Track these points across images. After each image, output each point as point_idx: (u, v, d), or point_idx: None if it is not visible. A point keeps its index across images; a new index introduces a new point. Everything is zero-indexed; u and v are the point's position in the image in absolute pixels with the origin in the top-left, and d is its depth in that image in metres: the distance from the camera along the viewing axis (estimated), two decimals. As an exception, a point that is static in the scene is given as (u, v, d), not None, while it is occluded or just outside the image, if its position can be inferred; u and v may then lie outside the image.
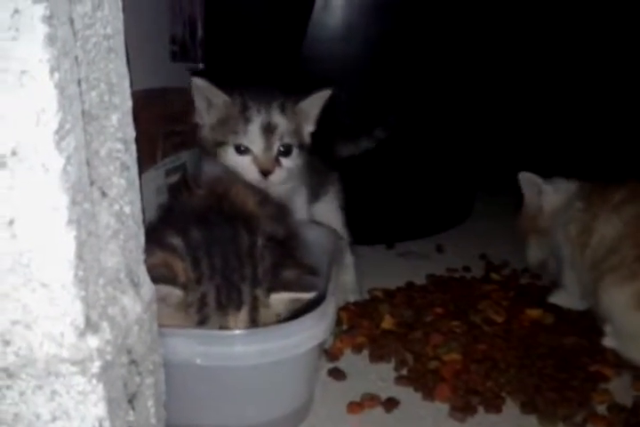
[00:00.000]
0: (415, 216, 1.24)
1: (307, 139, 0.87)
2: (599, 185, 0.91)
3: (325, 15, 1.02)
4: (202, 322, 0.61)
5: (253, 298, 0.62)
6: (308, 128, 0.88)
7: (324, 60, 1.02)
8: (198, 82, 0.82)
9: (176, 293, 0.59)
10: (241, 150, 0.82)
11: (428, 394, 0.73)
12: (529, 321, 0.88)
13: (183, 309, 0.60)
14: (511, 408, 0.71)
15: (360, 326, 0.87)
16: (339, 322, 0.87)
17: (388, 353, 0.81)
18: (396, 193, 1.19)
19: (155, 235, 0.62)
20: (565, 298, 0.93)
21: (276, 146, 0.82)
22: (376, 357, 0.80)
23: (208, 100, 0.83)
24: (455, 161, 1.26)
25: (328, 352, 0.81)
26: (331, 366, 0.79)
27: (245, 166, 0.82)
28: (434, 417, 0.70)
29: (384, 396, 0.72)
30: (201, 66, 1.01)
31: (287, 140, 0.83)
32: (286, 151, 0.83)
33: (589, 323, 0.86)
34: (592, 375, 0.76)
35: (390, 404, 0.71)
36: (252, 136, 0.81)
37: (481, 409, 0.70)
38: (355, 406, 0.70)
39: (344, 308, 0.92)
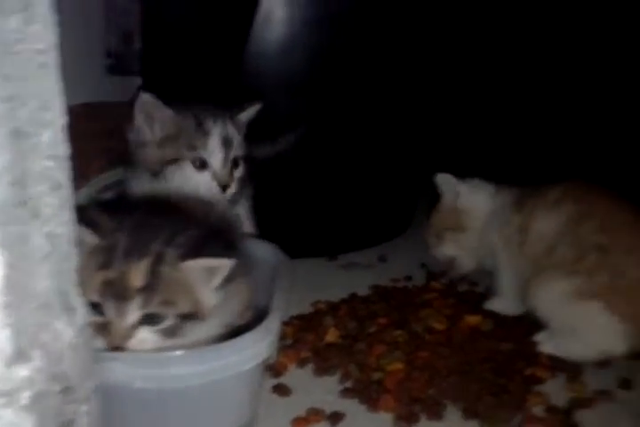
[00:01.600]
0: (357, 227, 1.26)
1: (245, 148, 0.88)
2: (528, 187, 0.96)
3: (266, 29, 1.03)
4: (104, 266, 0.58)
5: (160, 253, 0.59)
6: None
7: (265, 75, 1.03)
8: (146, 97, 0.80)
9: (92, 237, 0.59)
10: (199, 165, 0.81)
11: (373, 405, 0.73)
12: (468, 328, 0.90)
13: (94, 256, 0.59)
14: (453, 414, 0.73)
15: (304, 339, 0.87)
16: (283, 336, 0.87)
17: (332, 366, 0.81)
18: (338, 205, 1.20)
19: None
20: (501, 304, 0.96)
21: (231, 159, 0.83)
22: (320, 370, 0.81)
23: (152, 117, 0.82)
24: (396, 172, 1.29)
25: (272, 368, 0.80)
26: (275, 381, 0.78)
27: (204, 182, 0.81)
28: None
29: (329, 410, 0.72)
30: (139, 79, 1.00)
31: (238, 151, 0.84)
32: (236, 163, 0.84)
33: (524, 328, 0.90)
34: (528, 379, 0.79)
35: (335, 418, 0.71)
36: (213, 149, 0.81)
37: (424, 417, 0.72)
38: (300, 422, 0.70)
39: (288, 322, 0.91)
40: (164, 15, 1.02)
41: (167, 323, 0.60)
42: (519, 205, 0.92)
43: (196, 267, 0.60)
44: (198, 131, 0.80)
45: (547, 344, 0.85)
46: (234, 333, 0.65)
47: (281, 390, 0.76)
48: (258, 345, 0.63)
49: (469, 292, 1.07)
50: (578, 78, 1.10)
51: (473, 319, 0.91)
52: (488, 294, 1.02)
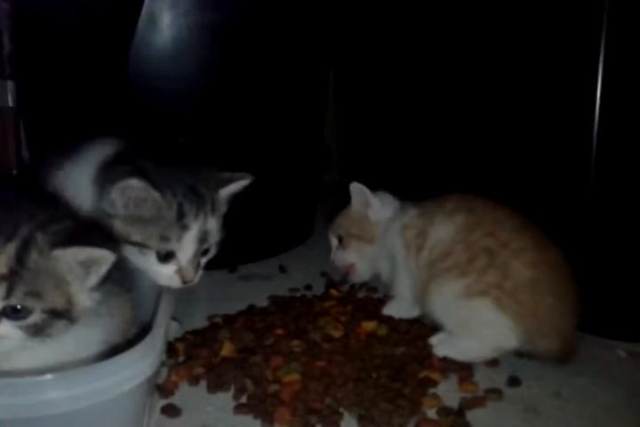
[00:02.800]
0: (256, 238, 1.23)
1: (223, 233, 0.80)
2: (429, 198, 0.99)
3: (151, 33, 0.99)
4: None
5: (28, 237, 0.53)
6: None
7: (150, 79, 0.98)
8: (135, 183, 0.68)
9: None
10: (164, 257, 0.72)
11: (268, 419, 0.71)
12: (365, 334, 0.90)
13: None
14: (349, 422, 0.72)
15: (198, 355, 0.83)
16: (174, 353, 0.83)
17: (226, 381, 0.78)
18: (236, 216, 1.18)
19: None
20: (398, 308, 0.97)
21: (202, 251, 0.76)
22: (214, 387, 0.77)
23: (132, 196, 0.70)
24: (293, 181, 1.28)
25: (161, 388, 0.76)
26: (164, 402, 0.74)
27: (167, 275, 0.73)
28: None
29: (222, 428, 0.69)
30: (10, 82, 0.92)
31: (213, 240, 0.76)
32: (206, 251, 0.77)
33: (418, 332, 0.91)
34: (422, 381, 0.80)
35: (228, 435, 0.68)
36: (186, 245, 0.72)
37: (320, 428, 0.70)
38: (190, 443, 0.66)
39: (181, 338, 0.87)
40: (39, 14, 0.96)
41: (33, 318, 0.54)
42: (420, 211, 0.95)
43: (69, 257, 0.54)
44: (177, 223, 0.71)
45: (442, 347, 0.87)
46: (114, 352, 0.61)
47: (170, 410, 0.72)
48: (139, 364, 0.59)
49: (367, 298, 1.08)
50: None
51: (369, 325, 0.91)
52: (386, 299, 1.03)
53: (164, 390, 0.76)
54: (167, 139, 0.94)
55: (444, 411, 0.75)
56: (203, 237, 0.74)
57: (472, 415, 0.75)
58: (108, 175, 0.72)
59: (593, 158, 0.92)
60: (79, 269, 0.56)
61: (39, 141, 1.07)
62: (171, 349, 0.83)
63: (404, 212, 0.99)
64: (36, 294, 0.53)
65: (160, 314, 0.67)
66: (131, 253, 0.72)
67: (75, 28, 0.95)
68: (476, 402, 0.77)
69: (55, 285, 0.55)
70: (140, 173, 0.69)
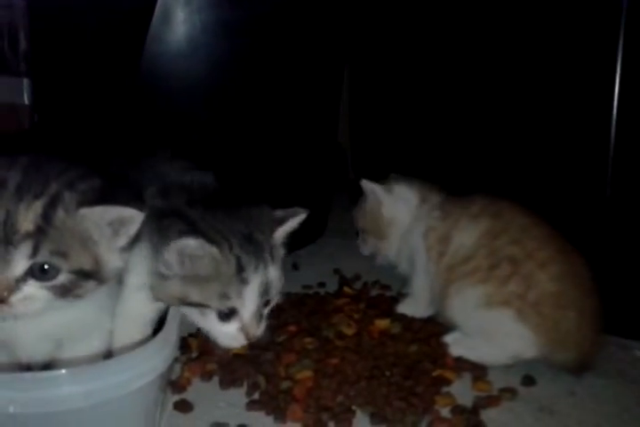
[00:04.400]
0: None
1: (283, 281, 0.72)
2: (452, 197, 0.97)
3: (165, 30, 0.99)
4: None
5: (56, 195, 0.53)
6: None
7: (163, 76, 0.99)
8: (192, 243, 0.62)
9: None
10: (225, 316, 0.66)
11: (280, 416, 0.71)
12: (378, 332, 0.90)
13: None
14: (361, 420, 0.72)
15: (210, 352, 0.83)
16: (187, 349, 0.83)
17: (239, 378, 0.78)
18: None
19: None
20: (412, 307, 0.96)
21: (264, 303, 0.69)
22: (227, 383, 0.77)
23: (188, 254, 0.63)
24: (305, 178, 1.28)
25: (174, 383, 0.76)
26: (177, 398, 0.74)
27: (230, 335, 0.67)
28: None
29: (234, 424, 0.69)
30: (25, 80, 0.93)
31: (276, 288, 0.70)
32: (268, 303, 0.71)
33: (431, 330, 0.90)
34: (435, 380, 0.79)
35: (240, 431, 0.68)
36: (247, 300, 0.66)
37: (332, 425, 0.70)
38: (203, 439, 0.66)
39: (194, 334, 0.87)
40: (54, 12, 0.96)
41: (60, 279, 0.53)
42: (444, 214, 0.93)
43: (96, 216, 0.54)
44: (237, 278, 0.65)
45: (457, 347, 0.86)
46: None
47: (183, 406, 0.72)
48: (153, 359, 0.59)
49: (381, 296, 1.07)
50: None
51: (382, 323, 0.91)
52: (399, 297, 1.02)
53: (176, 385, 0.76)
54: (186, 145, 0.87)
55: (457, 410, 0.74)
56: (264, 289, 0.67)
57: (486, 415, 0.74)
58: (159, 234, 0.65)
59: (611, 158, 0.91)
60: (107, 228, 0.55)
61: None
62: (184, 344, 0.83)
63: (424, 211, 0.97)
64: (63, 254, 0.52)
65: (173, 309, 0.67)
66: (190, 315, 0.67)
67: (89, 26, 0.95)
68: (490, 401, 0.77)
69: (82, 244, 0.54)
70: (195, 230, 0.63)
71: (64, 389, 0.53)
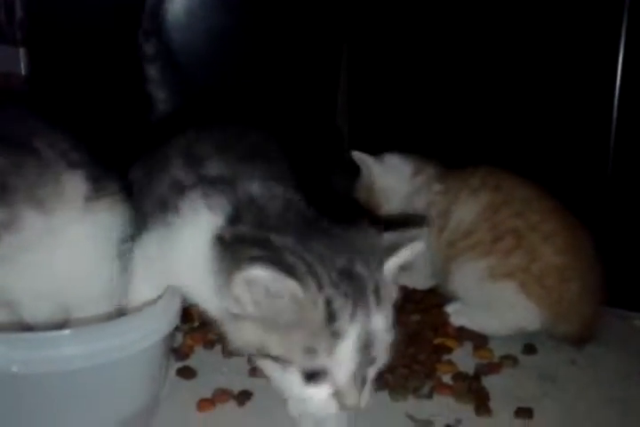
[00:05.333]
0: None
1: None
2: (450, 170, 0.96)
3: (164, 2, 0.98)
4: None
5: None
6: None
7: (162, 47, 0.97)
8: (260, 274, 0.48)
9: None
10: (312, 377, 0.50)
11: (282, 382, 0.71)
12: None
13: None
14: (364, 387, 0.72)
15: (212, 321, 0.83)
16: (189, 319, 0.83)
17: (241, 346, 0.78)
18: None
19: None
20: (413, 278, 0.96)
21: (368, 360, 0.52)
22: (229, 351, 0.77)
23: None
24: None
25: (177, 351, 0.76)
26: (180, 365, 0.74)
27: (318, 401, 0.52)
28: (285, 407, 0.68)
29: (237, 389, 0.69)
30: (21, 49, 0.91)
31: (384, 342, 0.53)
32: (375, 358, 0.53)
33: (433, 301, 0.91)
34: (437, 348, 0.80)
35: (243, 397, 0.68)
36: (342, 359, 0.50)
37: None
38: (205, 403, 0.67)
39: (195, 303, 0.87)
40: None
41: None
42: (444, 188, 0.92)
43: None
44: (327, 328, 0.49)
45: (459, 317, 0.86)
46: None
47: (186, 372, 0.72)
48: (156, 322, 0.59)
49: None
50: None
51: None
52: (399, 269, 1.02)
53: (179, 353, 0.76)
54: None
55: (459, 376, 0.75)
56: (366, 344, 0.50)
57: (487, 381, 0.74)
58: (226, 260, 0.53)
59: (612, 137, 0.90)
60: None
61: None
62: (186, 314, 0.83)
63: (418, 183, 0.96)
64: None
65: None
66: (272, 371, 0.53)
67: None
68: (492, 368, 0.77)
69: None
70: (272, 257, 0.49)
71: (66, 349, 0.53)
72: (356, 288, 0.51)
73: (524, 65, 1.02)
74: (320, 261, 0.51)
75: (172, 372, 0.72)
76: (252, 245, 0.52)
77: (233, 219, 0.56)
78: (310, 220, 0.57)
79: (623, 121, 0.90)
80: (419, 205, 0.94)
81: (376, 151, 1.08)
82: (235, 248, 0.53)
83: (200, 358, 0.76)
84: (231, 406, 0.67)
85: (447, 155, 1.20)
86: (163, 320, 0.60)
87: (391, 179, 0.99)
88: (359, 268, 0.52)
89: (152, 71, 0.94)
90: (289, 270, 0.48)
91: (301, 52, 1.14)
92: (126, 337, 0.56)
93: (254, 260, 0.49)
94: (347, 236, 0.56)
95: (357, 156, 1.00)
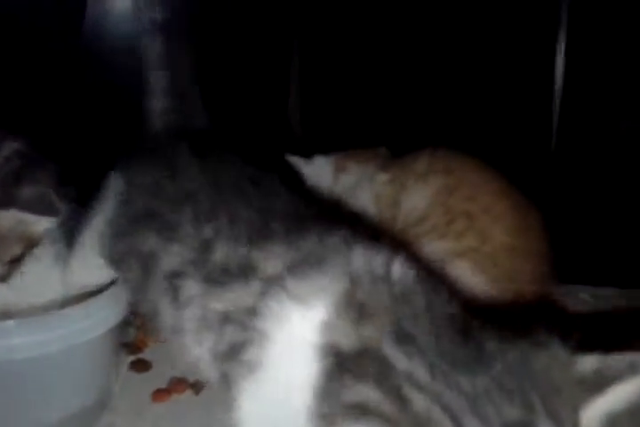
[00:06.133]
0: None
1: None
2: (397, 158, 0.97)
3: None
4: None
5: None
6: None
7: (107, 41, 0.96)
8: None
9: None
10: None
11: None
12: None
13: None
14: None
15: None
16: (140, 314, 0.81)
17: (196, 338, 0.77)
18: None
19: None
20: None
21: None
22: (183, 342, 0.76)
23: None
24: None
25: (130, 345, 0.75)
26: (133, 358, 0.73)
27: None
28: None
29: (192, 379, 0.68)
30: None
31: None
32: None
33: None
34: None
35: (199, 385, 0.67)
36: None
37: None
38: (160, 394, 0.66)
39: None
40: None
41: None
42: (390, 176, 0.92)
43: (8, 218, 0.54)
44: None
45: None
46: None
47: (140, 365, 0.71)
48: (103, 312, 0.58)
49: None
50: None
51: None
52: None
53: (132, 347, 0.74)
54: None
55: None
56: None
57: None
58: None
59: (556, 113, 0.93)
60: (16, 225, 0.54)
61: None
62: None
63: (370, 178, 0.97)
64: None
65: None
66: None
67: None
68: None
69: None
70: None
71: (12, 339, 0.52)
72: None
73: (467, 47, 1.04)
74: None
75: (125, 367, 0.71)
76: None
77: None
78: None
79: (566, 99, 0.92)
80: (363, 199, 0.94)
81: (329, 146, 1.09)
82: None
83: (154, 350, 0.75)
84: (187, 395, 0.66)
85: (400, 144, 1.23)
86: (110, 311, 0.59)
87: (318, 179, 0.99)
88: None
89: None
90: None
91: (251, 47, 1.14)
92: (72, 327, 0.55)
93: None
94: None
95: (290, 159, 1.01)
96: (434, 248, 0.84)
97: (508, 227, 0.82)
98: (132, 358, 0.73)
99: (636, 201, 0.99)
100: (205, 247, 0.48)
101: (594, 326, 0.80)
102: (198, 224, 0.50)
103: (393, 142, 1.17)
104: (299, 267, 0.44)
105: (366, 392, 0.35)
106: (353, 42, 1.35)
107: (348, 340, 0.39)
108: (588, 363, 0.35)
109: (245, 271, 0.46)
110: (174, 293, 0.49)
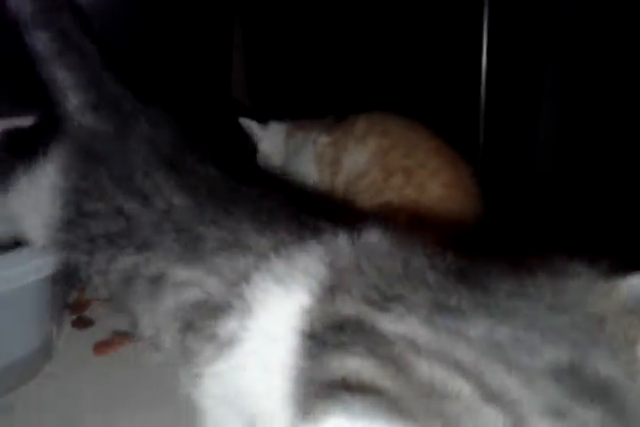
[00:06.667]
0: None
1: None
2: (339, 121, 1.00)
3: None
4: None
5: None
6: None
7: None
8: None
9: None
10: None
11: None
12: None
13: None
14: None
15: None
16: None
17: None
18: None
19: None
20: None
21: None
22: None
23: None
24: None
25: (73, 305, 0.74)
26: (75, 316, 0.73)
27: None
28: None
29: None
30: None
31: None
32: None
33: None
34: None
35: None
36: None
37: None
38: (102, 346, 0.66)
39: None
40: None
41: None
42: (332, 140, 0.96)
43: None
44: None
45: None
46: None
47: (82, 322, 0.71)
48: (35, 261, 0.58)
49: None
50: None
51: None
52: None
53: (75, 307, 0.74)
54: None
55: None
56: None
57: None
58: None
59: (482, 106, 0.96)
60: None
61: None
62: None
63: (296, 140, 1.00)
64: None
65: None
66: None
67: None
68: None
69: None
70: None
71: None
72: None
73: (398, 29, 1.07)
74: None
75: (68, 325, 0.71)
76: None
77: None
78: None
79: (492, 91, 0.95)
80: (306, 159, 0.97)
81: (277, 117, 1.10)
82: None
83: (96, 309, 0.75)
84: (129, 348, 0.67)
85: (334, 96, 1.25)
86: (40, 261, 0.58)
87: (270, 143, 1.02)
88: None
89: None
90: None
91: (190, 25, 1.13)
92: (6, 272, 0.55)
93: None
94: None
95: (244, 122, 1.03)
96: (375, 203, 0.87)
97: (442, 181, 0.86)
98: (73, 317, 0.73)
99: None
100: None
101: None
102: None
103: (339, 111, 1.19)
104: (281, 249, 0.42)
105: (354, 366, 0.30)
106: (295, 15, 1.36)
107: (328, 318, 0.36)
108: (632, 286, 0.31)
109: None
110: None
